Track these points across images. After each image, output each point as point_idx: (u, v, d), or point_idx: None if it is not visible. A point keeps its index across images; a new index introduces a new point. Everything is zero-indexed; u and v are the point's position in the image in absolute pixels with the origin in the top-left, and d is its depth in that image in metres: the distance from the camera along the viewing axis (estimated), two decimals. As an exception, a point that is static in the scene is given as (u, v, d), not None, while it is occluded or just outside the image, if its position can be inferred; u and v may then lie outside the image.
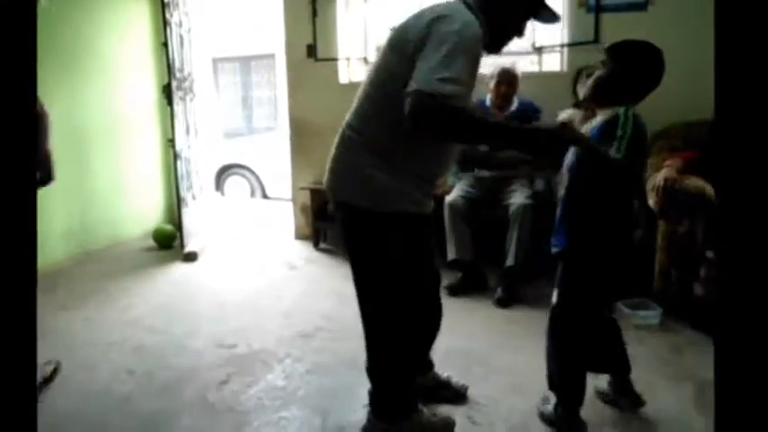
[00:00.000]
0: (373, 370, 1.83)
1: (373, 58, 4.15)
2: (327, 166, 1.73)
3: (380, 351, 1.80)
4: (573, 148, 1.72)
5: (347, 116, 1.71)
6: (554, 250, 1.85)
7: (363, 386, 2.17)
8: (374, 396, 1.85)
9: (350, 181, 1.67)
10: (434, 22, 1.46)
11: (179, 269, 3.79)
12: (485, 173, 3.26)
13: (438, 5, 1.59)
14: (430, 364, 2.11)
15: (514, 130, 1.54)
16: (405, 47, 1.50)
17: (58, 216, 3.85)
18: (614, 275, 1.87)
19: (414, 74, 1.41)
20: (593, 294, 1.84)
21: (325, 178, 1.75)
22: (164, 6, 3.75)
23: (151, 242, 4.34)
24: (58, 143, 3.74)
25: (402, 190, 1.63)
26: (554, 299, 1.86)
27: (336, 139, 1.72)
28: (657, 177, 2.70)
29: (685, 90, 3.30)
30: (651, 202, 2.75)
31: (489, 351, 2.30)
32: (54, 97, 3.79)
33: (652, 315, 2.67)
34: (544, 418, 1.94)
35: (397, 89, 1.45)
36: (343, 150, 1.69)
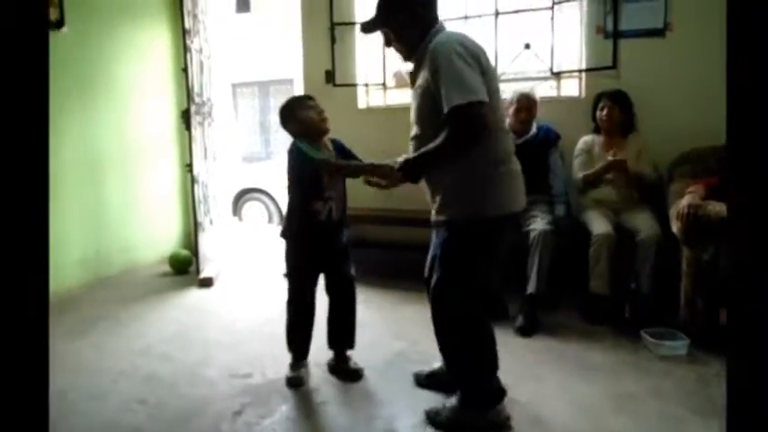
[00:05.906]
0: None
1: (391, 83, 4.14)
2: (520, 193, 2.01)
3: None
4: None
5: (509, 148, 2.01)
6: None
7: (380, 418, 2.13)
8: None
9: None
10: None
11: (194, 295, 3.77)
12: None
13: None
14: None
15: None
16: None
17: (74, 243, 3.85)
18: None
19: None
20: None
21: (517, 204, 2.00)
22: (184, 33, 3.81)
23: (167, 267, 4.33)
24: (74, 168, 3.84)
25: None
26: None
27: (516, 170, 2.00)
28: (680, 204, 2.65)
29: (706, 115, 3.25)
30: (675, 228, 2.69)
31: (510, 380, 2.23)
32: (72, 122, 3.85)
33: (679, 345, 2.58)
34: None
35: None
36: None
